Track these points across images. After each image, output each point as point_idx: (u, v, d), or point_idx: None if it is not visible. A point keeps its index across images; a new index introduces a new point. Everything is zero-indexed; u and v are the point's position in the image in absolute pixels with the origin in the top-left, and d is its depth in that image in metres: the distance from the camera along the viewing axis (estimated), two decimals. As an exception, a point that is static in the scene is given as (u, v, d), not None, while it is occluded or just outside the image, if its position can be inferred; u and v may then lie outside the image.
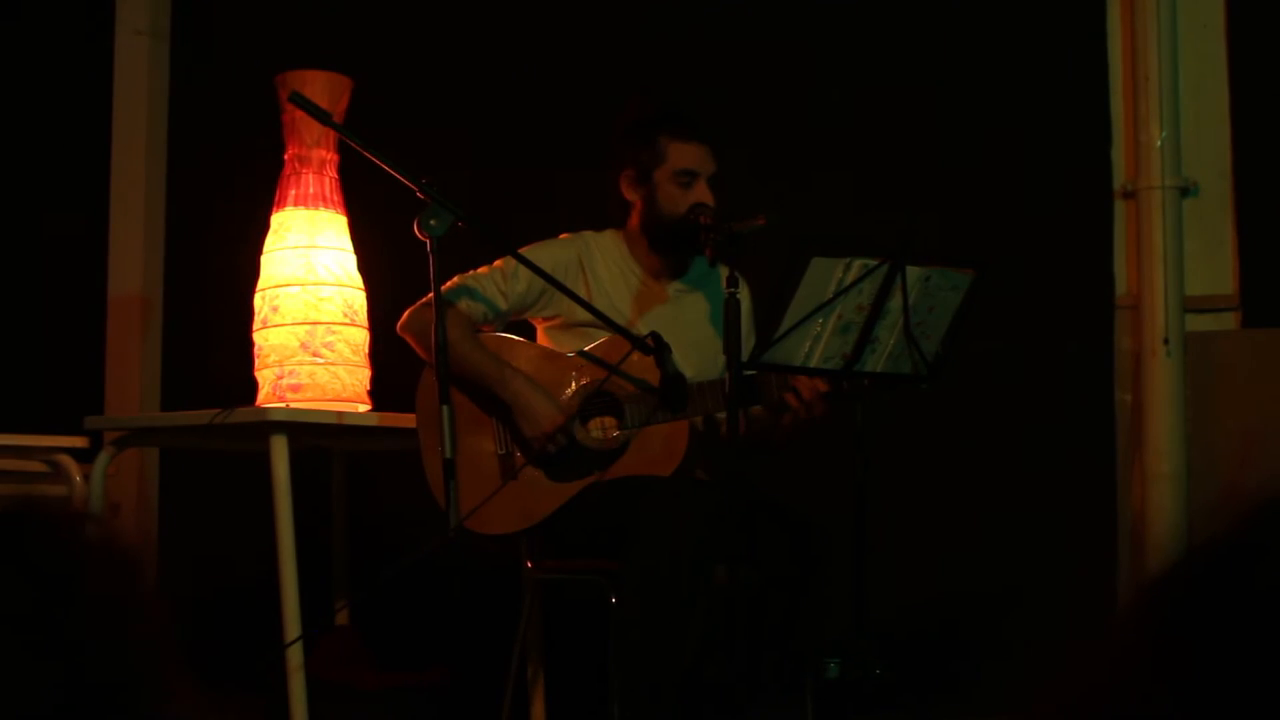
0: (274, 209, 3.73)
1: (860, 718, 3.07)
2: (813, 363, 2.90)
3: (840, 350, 2.90)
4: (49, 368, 4.72)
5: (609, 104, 3.37)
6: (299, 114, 3.46)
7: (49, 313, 4.78)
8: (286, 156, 3.72)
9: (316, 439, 3.60)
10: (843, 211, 3.95)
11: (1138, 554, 3.83)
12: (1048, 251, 3.91)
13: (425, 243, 2.89)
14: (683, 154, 3.19)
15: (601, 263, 3.27)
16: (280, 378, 3.61)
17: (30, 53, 4.82)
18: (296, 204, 3.70)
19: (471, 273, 3.20)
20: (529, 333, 3.29)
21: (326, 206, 3.72)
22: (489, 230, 3.17)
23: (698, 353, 3.25)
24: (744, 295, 3.16)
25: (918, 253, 2.87)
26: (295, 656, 3.29)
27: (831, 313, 2.85)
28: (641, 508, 2.96)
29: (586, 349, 3.15)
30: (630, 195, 3.25)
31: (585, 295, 3.15)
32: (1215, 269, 3.91)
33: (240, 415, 3.34)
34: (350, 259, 3.74)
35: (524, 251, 3.14)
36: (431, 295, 2.94)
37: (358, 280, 3.74)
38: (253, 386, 3.67)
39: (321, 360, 3.61)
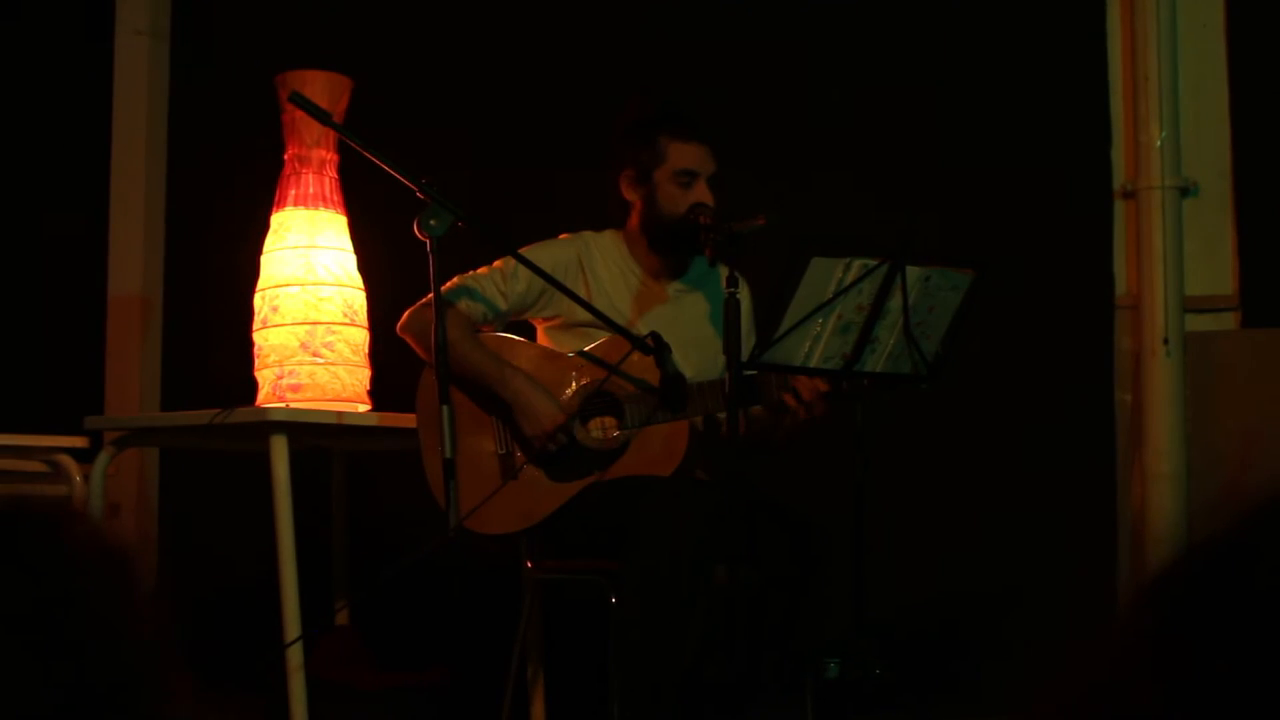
0: (274, 209, 3.73)
1: (860, 718, 3.07)
2: (813, 363, 2.90)
3: (840, 350, 2.90)
4: (49, 368, 4.72)
5: (609, 104, 3.37)
6: (299, 114, 3.46)
7: (49, 313, 4.78)
8: (286, 156, 3.72)
9: (316, 439, 3.60)
10: (843, 211, 3.94)
11: (1138, 554, 3.83)
12: (1048, 251, 3.91)
13: (425, 243, 2.89)
14: (683, 154, 3.19)
15: (601, 263, 3.27)
16: (280, 378, 3.61)
17: (30, 53, 4.82)
18: (296, 204, 3.70)
19: (471, 273, 3.20)
20: (529, 333, 3.29)
21: (326, 206, 3.72)
22: (489, 230, 3.17)
23: (698, 353, 3.25)
24: (744, 295, 3.16)
25: (918, 253, 2.87)
26: (295, 656, 3.29)
27: (831, 313, 2.85)
28: (641, 508, 2.96)
29: (586, 349, 3.15)
30: (630, 195, 3.25)
31: (585, 295, 3.15)
32: (1215, 269, 3.91)
33: (240, 415, 3.34)
34: (350, 259, 3.74)
35: (524, 251, 3.14)
36: (431, 295, 2.94)
37: (358, 280, 3.74)
38: (253, 386, 3.67)
39: (321, 360, 3.61)
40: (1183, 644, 0.82)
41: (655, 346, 2.99)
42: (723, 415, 2.95)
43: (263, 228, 3.75)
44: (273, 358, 3.62)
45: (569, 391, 3.14)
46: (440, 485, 2.95)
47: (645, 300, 3.27)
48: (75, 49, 4.84)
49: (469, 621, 4.15)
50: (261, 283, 3.70)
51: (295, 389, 3.59)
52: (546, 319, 3.25)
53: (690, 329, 3.26)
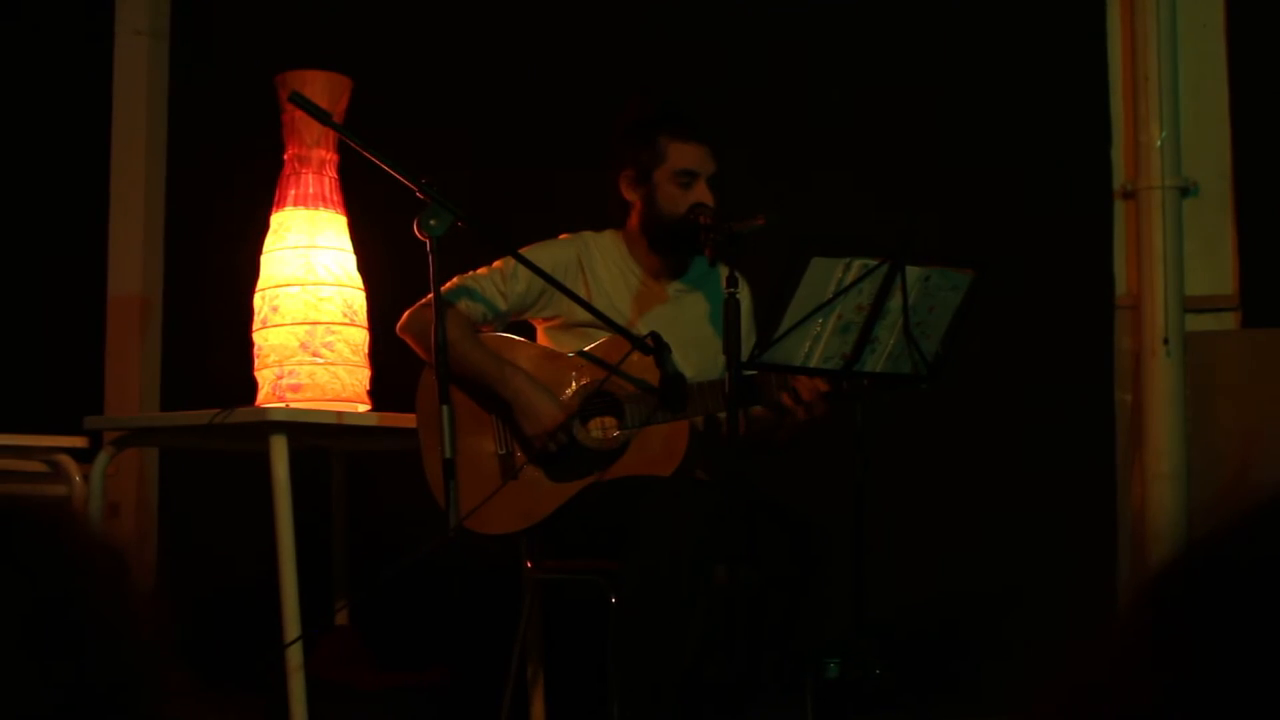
0: (274, 209, 3.73)
1: (860, 718, 3.07)
2: (812, 363, 2.90)
3: (840, 350, 2.90)
4: (49, 368, 4.72)
5: (609, 104, 3.37)
6: (299, 114, 3.46)
7: (49, 312, 4.78)
8: (286, 156, 3.72)
9: (316, 439, 3.60)
10: (843, 211, 3.95)
11: (1138, 554, 3.83)
12: (1048, 251, 3.91)
13: (425, 243, 2.89)
14: (683, 154, 3.19)
15: (601, 263, 3.26)
16: (280, 378, 3.61)
17: (30, 53, 4.83)
18: (296, 204, 3.70)
19: (471, 273, 3.20)
20: (529, 333, 3.29)
21: (326, 206, 3.72)
22: (489, 230, 3.17)
23: (698, 353, 3.25)
24: (744, 295, 3.15)
25: (918, 253, 2.87)
26: (295, 656, 3.29)
27: (831, 313, 2.85)
28: (641, 508, 2.96)
29: (586, 349, 3.15)
30: (630, 195, 3.25)
31: (585, 295, 3.15)
32: (1215, 269, 3.91)
33: (240, 415, 3.34)
34: (350, 259, 3.74)
35: (524, 251, 3.14)
36: (431, 295, 2.94)
37: (357, 280, 3.75)
38: (252, 386, 3.67)
39: (321, 360, 3.61)
40: (1183, 643, 0.82)
41: (655, 346, 2.99)
42: (723, 415, 2.95)
43: (262, 228, 3.75)
44: (272, 358, 3.63)
45: (569, 391, 3.14)
46: (440, 485, 2.95)
47: (645, 300, 3.27)
48: (75, 49, 4.84)
49: (469, 621, 4.15)
50: (261, 283, 3.71)
51: (295, 389, 3.59)
52: (546, 319, 3.25)
53: (690, 329, 3.26)
